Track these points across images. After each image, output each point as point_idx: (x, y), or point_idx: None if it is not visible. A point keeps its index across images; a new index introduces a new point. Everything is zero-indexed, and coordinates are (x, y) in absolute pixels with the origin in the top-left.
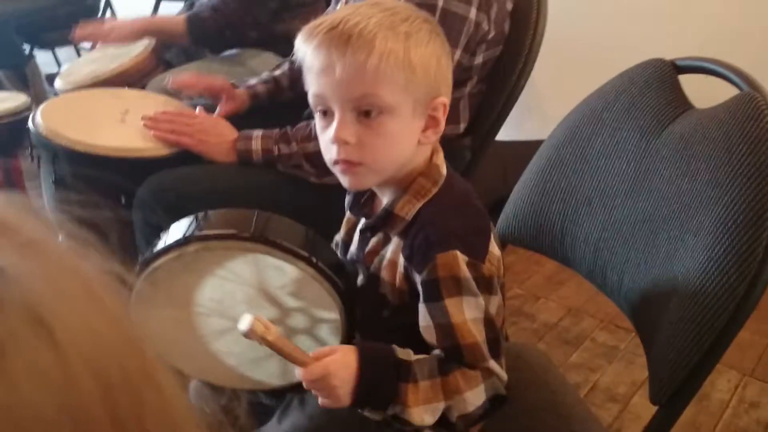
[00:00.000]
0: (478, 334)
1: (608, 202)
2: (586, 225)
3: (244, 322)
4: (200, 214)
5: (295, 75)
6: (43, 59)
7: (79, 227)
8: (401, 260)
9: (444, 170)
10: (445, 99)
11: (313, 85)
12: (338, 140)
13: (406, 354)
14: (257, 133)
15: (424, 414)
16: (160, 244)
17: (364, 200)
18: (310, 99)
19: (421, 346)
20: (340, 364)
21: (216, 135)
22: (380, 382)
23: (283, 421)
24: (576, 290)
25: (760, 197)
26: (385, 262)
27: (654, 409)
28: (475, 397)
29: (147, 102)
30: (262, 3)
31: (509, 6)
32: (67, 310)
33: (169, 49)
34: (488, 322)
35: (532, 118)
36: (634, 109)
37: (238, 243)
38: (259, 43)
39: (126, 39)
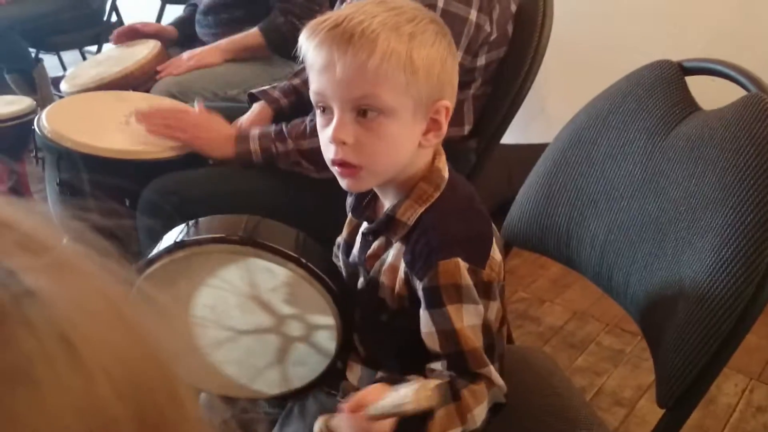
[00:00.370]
0: (477, 340)
1: (614, 204)
2: (592, 227)
3: None
4: (191, 222)
5: None
6: (49, 63)
7: (95, 235)
8: (402, 265)
9: (446, 174)
10: (448, 102)
11: (313, 83)
12: (336, 140)
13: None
14: (254, 132)
15: None
16: (152, 253)
17: (366, 203)
18: (311, 95)
19: (420, 351)
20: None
21: (210, 130)
22: (407, 425)
23: (284, 430)
24: (581, 293)
25: None
26: (385, 267)
27: (660, 413)
28: (481, 412)
29: (152, 104)
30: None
31: (513, 7)
32: (96, 334)
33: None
34: (486, 329)
35: (537, 120)
36: (640, 110)
37: (227, 246)
38: None
39: (210, 65)
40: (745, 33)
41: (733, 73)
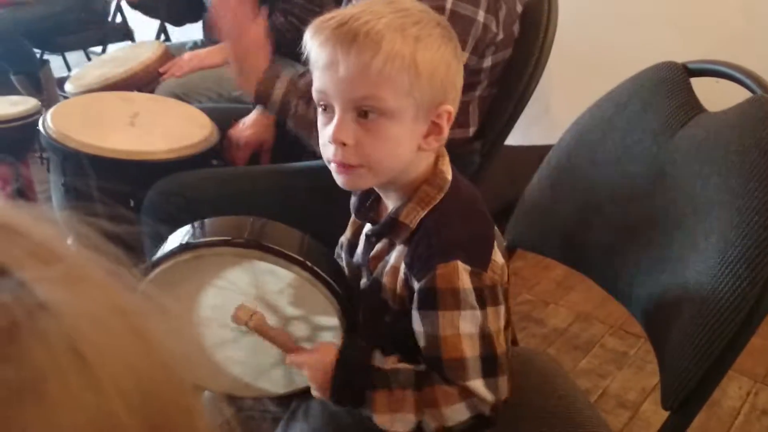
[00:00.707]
0: (468, 349)
1: (619, 206)
2: (597, 229)
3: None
4: (196, 223)
5: None
6: (53, 64)
7: (105, 241)
8: (402, 267)
9: (449, 176)
10: (450, 107)
11: (316, 80)
12: (335, 141)
13: (382, 361)
14: (285, 76)
15: (393, 422)
16: (158, 254)
17: (369, 204)
18: (313, 93)
19: (419, 350)
20: (316, 362)
21: (256, 58)
22: (350, 386)
23: (289, 430)
24: (585, 296)
25: None
26: (387, 268)
27: (664, 415)
28: (454, 413)
29: (156, 105)
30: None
31: (519, 8)
32: (107, 346)
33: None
34: (485, 338)
35: (541, 122)
36: (645, 112)
37: (232, 249)
38: None
39: (212, 66)
40: (750, 34)
41: (738, 75)
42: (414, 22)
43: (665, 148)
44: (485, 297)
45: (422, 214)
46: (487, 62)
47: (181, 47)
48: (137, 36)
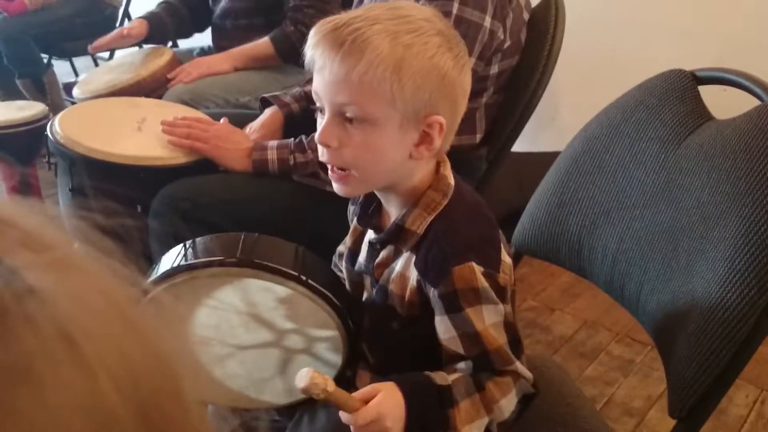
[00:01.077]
0: (500, 337)
1: (627, 213)
2: (604, 236)
3: (302, 378)
4: (188, 243)
5: None
6: (61, 69)
7: (99, 234)
8: (413, 273)
9: (452, 181)
10: (442, 119)
11: (313, 81)
12: (320, 142)
13: (442, 378)
14: (272, 143)
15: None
16: (151, 277)
17: (371, 211)
18: (312, 93)
19: (432, 357)
20: (389, 404)
21: (231, 142)
22: (428, 413)
23: None
24: (591, 302)
25: None
26: (394, 275)
27: (671, 423)
28: (509, 404)
29: (164, 111)
30: (331, 4)
31: (526, 16)
32: (98, 332)
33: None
34: (508, 325)
35: (549, 129)
36: (653, 120)
37: (225, 269)
38: None
39: (220, 72)
40: (759, 42)
41: (746, 83)
42: (411, 29)
43: (673, 155)
44: (497, 295)
45: (429, 219)
46: (494, 69)
47: (189, 53)
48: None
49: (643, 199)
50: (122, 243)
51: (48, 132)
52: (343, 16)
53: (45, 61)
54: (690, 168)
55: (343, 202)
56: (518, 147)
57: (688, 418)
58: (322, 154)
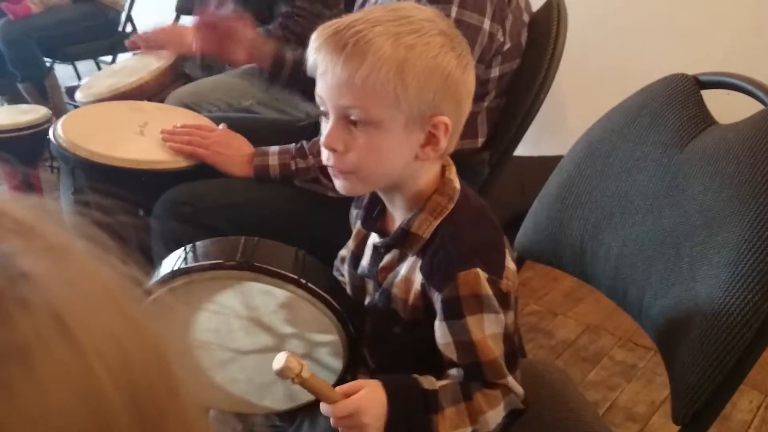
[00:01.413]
0: (497, 349)
1: (629, 217)
2: (607, 241)
3: (278, 361)
4: (188, 247)
5: None
6: (64, 72)
7: (98, 231)
8: (418, 278)
9: (458, 185)
10: (447, 119)
11: (317, 85)
12: (326, 147)
13: (429, 383)
14: (274, 149)
15: None
16: (151, 281)
17: (376, 215)
18: (316, 97)
19: (433, 362)
20: (371, 400)
21: (232, 148)
22: (411, 416)
23: None
24: (594, 307)
25: None
26: (398, 279)
27: (674, 429)
28: (496, 416)
29: (166, 114)
30: (322, 14)
31: (526, 18)
32: (91, 316)
33: (187, 62)
34: (507, 337)
35: (551, 133)
36: (656, 124)
37: (225, 272)
38: None
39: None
40: (762, 47)
41: (749, 87)
42: (412, 30)
43: (676, 160)
44: (499, 303)
45: (435, 224)
46: (495, 72)
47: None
48: None
49: (646, 204)
50: (121, 241)
51: (50, 135)
52: (344, 20)
53: (49, 65)
54: (693, 173)
55: (345, 206)
56: (521, 151)
57: (692, 424)
58: (327, 158)
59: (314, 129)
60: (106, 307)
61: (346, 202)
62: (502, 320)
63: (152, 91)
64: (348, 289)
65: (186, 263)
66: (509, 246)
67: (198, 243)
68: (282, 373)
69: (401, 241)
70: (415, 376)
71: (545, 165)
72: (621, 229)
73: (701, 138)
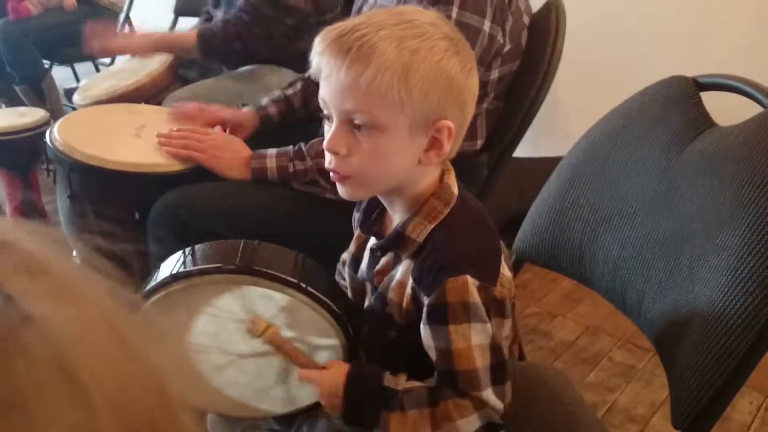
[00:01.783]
0: (480, 360)
1: (628, 220)
2: (606, 243)
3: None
4: (187, 250)
5: (308, 93)
6: (63, 74)
7: (99, 256)
8: (410, 281)
9: (455, 190)
10: (451, 123)
11: (320, 89)
12: (330, 151)
13: (394, 382)
14: (272, 151)
15: None
16: (150, 284)
17: (374, 218)
18: (319, 101)
19: (426, 365)
20: (328, 380)
21: (229, 151)
22: (363, 407)
23: None
24: (593, 308)
25: None
26: (393, 283)
27: (673, 429)
28: (468, 425)
29: (163, 117)
30: (277, 19)
31: (526, 20)
32: (97, 361)
33: (186, 65)
34: (495, 348)
35: (550, 135)
36: (655, 126)
37: (224, 276)
38: (273, 59)
39: (138, 52)
40: (761, 49)
41: (749, 89)
42: (416, 34)
43: (675, 162)
44: (491, 311)
45: (429, 228)
46: (495, 74)
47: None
48: None
49: (645, 207)
50: (122, 265)
51: (47, 139)
52: (348, 23)
53: (47, 66)
54: (692, 175)
55: (344, 209)
56: (519, 152)
57: (692, 428)
58: (330, 161)
59: (310, 133)
60: (111, 350)
61: (346, 204)
62: (489, 330)
63: (149, 93)
64: (349, 293)
65: (185, 267)
66: (506, 252)
67: (197, 246)
68: (248, 332)
69: (395, 244)
70: (386, 373)
71: (544, 167)
72: (620, 232)
73: (700, 140)
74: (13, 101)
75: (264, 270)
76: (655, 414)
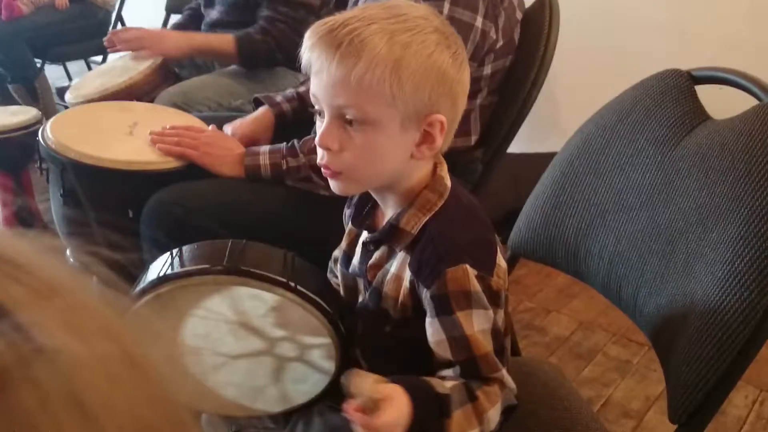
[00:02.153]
0: (488, 344)
1: (623, 214)
2: (601, 238)
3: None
4: (175, 251)
5: None
6: (55, 73)
7: (106, 269)
8: (407, 274)
9: (448, 182)
10: (443, 117)
11: (311, 84)
12: (321, 146)
13: (441, 386)
14: (264, 149)
15: None
16: (138, 286)
17: (366, 212)
18: (310, 96)
19: (423, 361)
20: (401, 410)
21: (221, 148)
22: (428, 421)
23: None
24: (588, 303)
25: None
26: (389, 277)
27: (669, 425)
28: (495, 414)
29: (156, 115)
30: (305, 20)
31: (519, 15)
32: (108, 389)
33: (179, 64)
34: (495, 333)
35: (544, 130)
36: (649, 120)
37: (212, 277)
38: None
39: (172, 54)
40: (755, 41)
41: (744, 82)
42: (407, 28)
43: (670, 156)
44: (489, 300)
45: (424, 220)
46: (487, 70)
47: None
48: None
49: (640, 201)
50: (116, 266)
51: (39, 137)
52: (339, 18)
53: (40, 65)
54: (687, 169)
55: (338, 206)
56: (514, 148)
57: (689, 422)
58: (322, 157)
59: (303, 126)
60: (126, 379)
61: (339, 201)
62: (491, 316)
63: (142, 91)
64: (341, 290)
65: (173, 269)
66: (501, 244)
67: (185, 247)
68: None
69: (389, 237)
70: (427, 379)
71: (538, 162)
72: (615, 227)
73: (695, 134)
74: (6, 100)
75: (252, 270)
76: (650, 409)
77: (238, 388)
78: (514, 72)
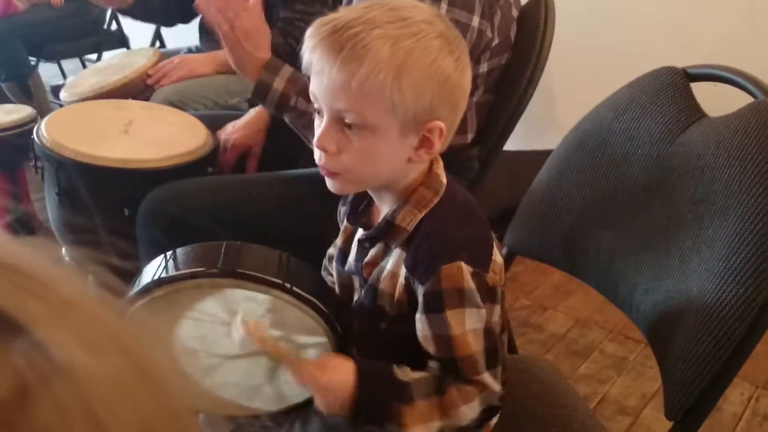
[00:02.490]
0: (476, 344)
1: (619, 212)
2: (597, 235)
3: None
4: (169, 254)
5: None
6: (49, 71)
7: (113, 277)
8: (403, 271)
9: (444, 179)
10: (442, 124)
11: (311, 84)
12: (318, 147)
13: (403, 374)
14: (285, 71)
15: None
16: (133, 290)
17: (362, 210)
18: (310, 94)
19: (419, 356)
20: (335, 382)
21: (252, 44)
22: (377, 402)
23: None
24: (584, 300)
25: None
26: (385, 273)
27: (665, 422)
28: (470, 411)
29: (151, 113)
30: (321, 12)
31: (515, 13)
32: (123, 405)
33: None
34: (488, 332)
35: (540, 128)
36: (645, 117)
37: (207, 280)
38: None
39: (202, 75)
40: (751, 39)
41: (739, 79)
42: (411, 33)
43: (665, 153)
44: (484, 297)
45: (419, 216)
46: (483, 68)
47: (176, 54)
48: (132, 43)
49: (636, 198)
50: (113, 268)
51: (34, 136)
52: (341, 17)
53: (34, 63)
54: (683, 166)
55: (334, 204)
56: (510, 145)
57: (685, 419)
58: (319, 157)
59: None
60: (138, 393)
61: (335, 199)
62: (483, 315)
63: (137, 89)
64: (336, 289)
65: (167, 272)
66: (497, 241)
67: (179, 250)
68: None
69: (384, 233)
70: (393, 366)
71: (535, 160)
72: (611, 224)
73: (691, 131)
74: (0, 99)
75: (247, 272)
76: (646, 405)
77: (234, 388)
78: (510, 70)
